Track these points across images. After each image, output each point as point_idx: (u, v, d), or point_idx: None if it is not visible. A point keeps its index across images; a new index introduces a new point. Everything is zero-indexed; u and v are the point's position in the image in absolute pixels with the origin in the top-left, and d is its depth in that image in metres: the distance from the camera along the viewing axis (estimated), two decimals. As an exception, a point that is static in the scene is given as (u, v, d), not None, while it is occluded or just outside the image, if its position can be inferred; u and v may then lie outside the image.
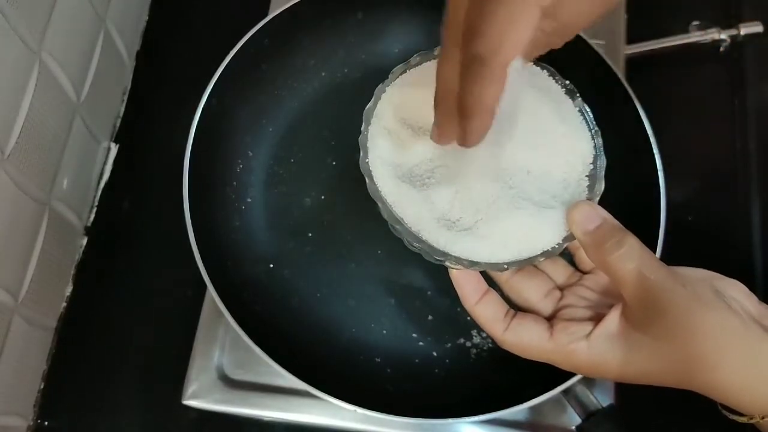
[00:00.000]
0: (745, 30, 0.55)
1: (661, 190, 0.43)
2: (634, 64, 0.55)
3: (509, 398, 0.40)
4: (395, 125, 0.34)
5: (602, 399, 0.42)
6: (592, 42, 0.46)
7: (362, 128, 0.34)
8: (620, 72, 0.47)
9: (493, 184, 0.32)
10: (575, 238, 0.31)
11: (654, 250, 0.41)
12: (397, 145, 0.34)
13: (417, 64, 0.36)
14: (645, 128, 0.44)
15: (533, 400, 0.39)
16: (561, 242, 0.32)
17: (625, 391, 0.47)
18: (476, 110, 0.27)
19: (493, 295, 0.33)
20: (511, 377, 0.44)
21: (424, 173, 0.33)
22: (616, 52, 0.55)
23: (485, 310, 0.33)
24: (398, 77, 0.36)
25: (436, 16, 0.50)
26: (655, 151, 0.44)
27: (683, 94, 0.58)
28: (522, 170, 0.33)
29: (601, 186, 0.33)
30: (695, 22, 0.57)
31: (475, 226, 0.31)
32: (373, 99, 0.35)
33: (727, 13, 0.58)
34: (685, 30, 0.57)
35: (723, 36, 0.56)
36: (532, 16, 0.24)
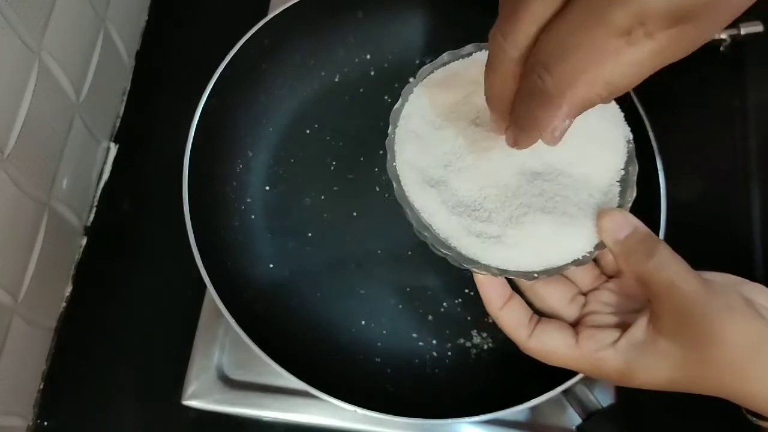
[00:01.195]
0: (745, 30, 0.55)
1: (661, 190, 0.43)
2: (634, 64, 0.55)
3: (509, 398, 0.40)
4: (423, 127, 0.33)
5: (602, 399, 0.42)
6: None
7: (389, 130, 0.33)
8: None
9: (523, 191, 0.31)
10: (606, 247, 0.30)
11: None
12: (425, 148, 0.32)
13: (445, 63, 0.34)
14: (645, 128, 0.44)
15: (533, 400, 0.39)
16: (592, 250, 0.31)
17: (625, 391, 0.47)
18: (531, 128, 0.26)
19: (518, 301, 0.33)
20: (511, 377, 0.44)
21: (454, 178, 0.32)
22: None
23: (509, 316, 0.32)
24: (426, 77, 0.34)
25: (436, 16, 0.51)
26: (655, 151, 0.44)
27: (683, 94, 0.58)
28: (552, 176, 0.32)
29: (633, 193, 0.32)
30: (695, 22, 0.57)
31: (504, 233, 0.31)
32: (400, 100, 0.33)
33: (727, 13, 0.58)
34: (685, 30, 0.57)
35: (723, 36, 0.56)
36: (618, 55, 0.22)
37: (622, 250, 0.30)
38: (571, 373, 0.39)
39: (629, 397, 0.47)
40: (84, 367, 0.49)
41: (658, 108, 0.46)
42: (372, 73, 0.52)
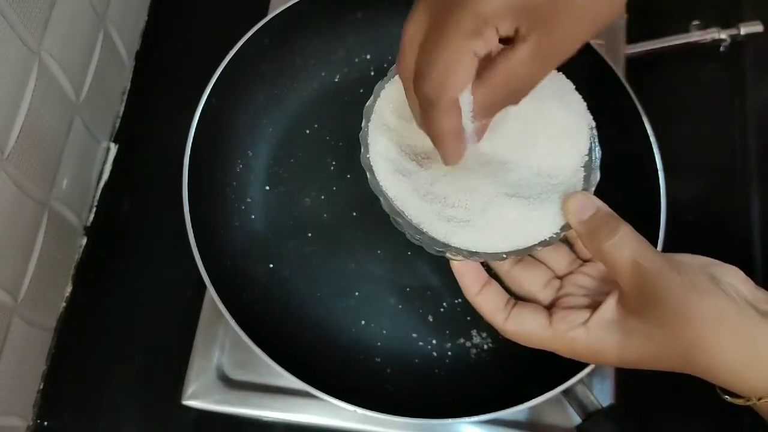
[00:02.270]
0: (745, 30, 0.55)
1: (661, 190, 0.43)
2: (634, 64, 0.55)
3: (509, 398, 0.40)
4: (394, 121, 0.35)
5: (602, 399, 0.42)
6: (593, 42, 0.46)
7: (362, 124, 0.34)
8: (620, 72, 0.47)
9: (491, 176, 0.33)
10: (571, 228, 0.32)
11: (654, 250, 0.41)
12: (396, 140, 0.34)
13: None
14: (645, 128, 0.44)
15: (533, 400, 0.39)
16: (558, 232, 0.32)
17: (625, 391, 0.47)
18: (440, 140, 0.30)
19: (494, 286, 0.34)
20: (511, 377, 0.44)
21: (423, 167, 0.34)
22: (617, 52, 0.55)
23: (486, 301, 0.33)
24: (397, 74, 0.36)
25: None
26: (655, 151, 0.44)
27: (683, 94, 0.58)
28: (519, 161, 0.33)
29: (596, 176, 0.34)
30: (695, 22, 0.57)
31: (473, 217, 0.32)
32: (372, 96, 0.35)
33: (727, 13, 0.58)
34: (685, 30, 0.57)
35: (723, 36, 0.56)
36: (470, 62, 0.27)
37: (586, 230, 0.31)
38: (571, 373, 0.39)
39: (629, 397, 0.47)
40: (84, 367, 0.49)
41: (658, 108, 0.46)
42: (372, 73, 0.52)
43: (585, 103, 0.35)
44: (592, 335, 0.31)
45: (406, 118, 0.34)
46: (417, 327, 0.47)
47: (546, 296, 0.35)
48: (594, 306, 0.32)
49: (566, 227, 0.32)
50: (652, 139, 0.44)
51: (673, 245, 0.42)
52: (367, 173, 0.33)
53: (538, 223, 0.32)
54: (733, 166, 0.56)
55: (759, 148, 0.56)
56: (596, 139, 0.34)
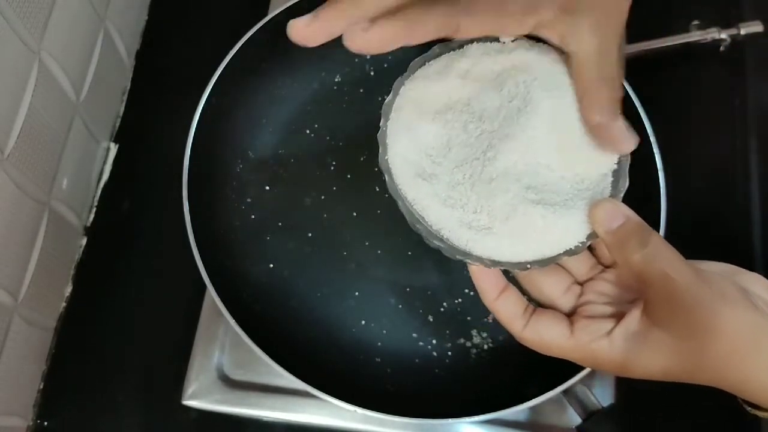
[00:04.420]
0: (745, 30, 0.55)
1: (661, 190, 0.43)
2: (634, 64, 0.55)
3: (509, 398, 0.40)
4: (414, 120, 0.33)
5: (602, 399, 0.42)
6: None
7: (381, 123, 0.33)
8: (620, 72, 0.47)
9: (515, 180, 0.31)
10: (598, 237, 0.31)
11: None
12: (416, 140, 0.33)
13: (436, 56, 0.35)
14: (645, 128, 0.44)
15: (533, 400, 0.39)
16: (584, 240, 0.31)
17: (625, 391, 0.47)
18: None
19: (513, 291, 0.33)
20: (511, 377, 0.44)
21: (445, 171, 0.32)
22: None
23: (504, 307, 0.32)
24: (417, 70, 0.34)
25: (436, 16, 0.50)
26: (655, 151, 0.44)
27: (683, 94, 0.58)
28: (544, 167, 0.32)
29: (625, 183, 0.32)
30: (695, 22, 0.57)
31: (496, 224, 0.31)
32: (391, 93, 0.34)
33: (727, 13, 0.58)
34: (685, 30, 0.57)
35: (723, 36, 0.55)
36: None
37: (614, 241, 0.30)
38: (571, 373, 0.39)
39: (629, 397, 0.47)
40: (84, 367, 0.49)
41: (659, 108, 0.46)
42: (372, 73, 0.52)
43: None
44: (616, 347, 0.30)
45: (426, 117, 0.33)
46: (417, 327, 0.47)
47: (566, 303, 0.33)
48: (617, 316, 0.31)
49: (593, 236, 0.31)
50: (652, 139, 0.44)
51: (673, 245, 0.42)
52: (386, 176, 0.32)
53: (564, 231, 0.31)
54: (734, 166, 0.56)
55: (759, 148, 0.56)
56: None
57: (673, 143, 0.45)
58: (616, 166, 0.33)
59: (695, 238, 0.53)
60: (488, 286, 0.32)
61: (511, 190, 0.31)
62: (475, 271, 0.32)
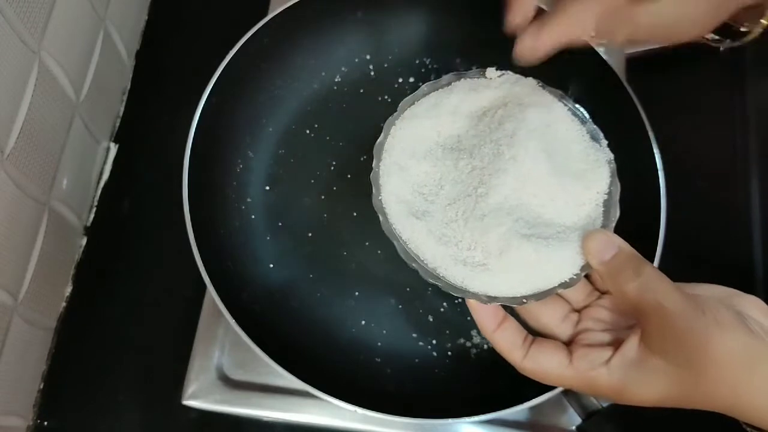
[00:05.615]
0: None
1: (661, 190, 0.43)
2: (634, 64, 0.55)
3: (509, 398, 0.40)
4: (406, 160, 0.34)
5: (602, 399, 0.42)
6: (593, 42, 0.46)
7: (373, 164, 0.34)
8: (621, 72, 0.47)
9: (506, 215, 0.31)
10: (592, 268, 0.31)
11: (654, 252, 0.41)
12: (409, 180, 0.33)
13: (424, 95, 0.35)
14: (645, 128, 0.44)
15: (533, 400, 0.39)
16: (579, 272, 0.32)
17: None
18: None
19: (511, 322, 0.33)
20: (512, 377, 0.44)
21: (438, 209, 0.33)
22: (617, 53, 0.55)
23: (504, 338, 0.33)
24: (407, 109, 0.35)
25: (436, 17, 0.50)
26: (655, 151, 0.44)
27: (683, 94, 0.58)
28: (535, 201, 0.32)
29: (616, 212, 0.33)
30: (695, 22, 0.57)
31: (490, 260, 0.31)
32: (382, 134, 0.34)
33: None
34: (685, 30, 0.56)
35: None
36: None
37: (608, 271, 0.30)
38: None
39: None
40: (84, 367, 0.49)
41: (659, 108, 0.46)
42: (372, 73, 0.52)
43: (606, 141, 0.34)
44: (615, 375, 0.30)
45: (417, 156, 0.33)
46: (417, 327, 0.47)
47: (564, 331, 0.34)
48: (615, 343, 0.31)
49: (587, 267, 0.31)
50: (652, 139, 0.44)
51: (673, 246, 0.42)
52: (380, 216, 0.32)
53: (558, 264, 0.31)
54: (733, 166, 0.56)
55: (759, 148, 0.56)
56: (615, 174, 0.34)
57: (674, 143, 0.46)
58: (606, 196, 0.33)
59: (695, 238, 0.53)
60: (486, 318, 0.33)
61: (504, 224, 0.31)
62: (473, 305, 0.33)
